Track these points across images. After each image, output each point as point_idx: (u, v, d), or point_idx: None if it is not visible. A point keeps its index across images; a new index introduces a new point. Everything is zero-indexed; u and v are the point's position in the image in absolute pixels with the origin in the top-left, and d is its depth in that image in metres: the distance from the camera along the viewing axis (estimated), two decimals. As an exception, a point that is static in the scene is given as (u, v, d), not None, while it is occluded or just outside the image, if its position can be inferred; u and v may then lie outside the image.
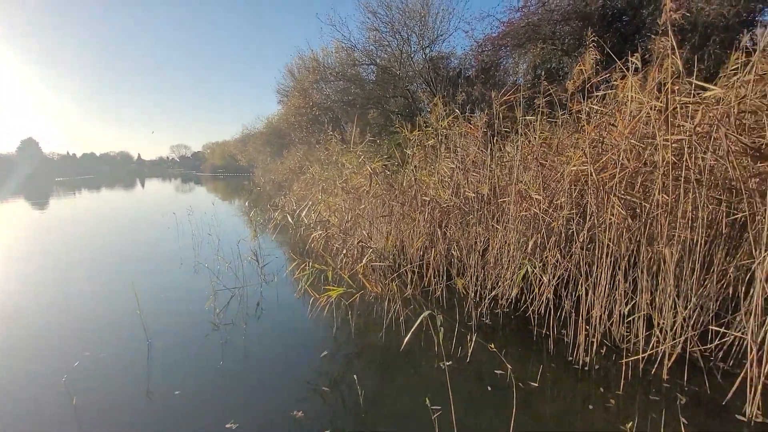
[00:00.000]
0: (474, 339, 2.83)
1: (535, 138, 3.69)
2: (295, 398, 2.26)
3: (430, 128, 4.75)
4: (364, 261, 2.61)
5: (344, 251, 2.85)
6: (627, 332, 2.78)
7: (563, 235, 3.12)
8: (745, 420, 2.07)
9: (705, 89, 2.27)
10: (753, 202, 2.38)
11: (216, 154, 54.09)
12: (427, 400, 1.95)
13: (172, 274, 4.79)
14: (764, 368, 2.08)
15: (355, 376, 2.36)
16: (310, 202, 3.14)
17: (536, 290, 3.31)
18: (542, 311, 3.16)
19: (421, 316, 1.89)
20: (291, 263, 4.42)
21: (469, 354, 2.69)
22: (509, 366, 2.45)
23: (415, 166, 4.93)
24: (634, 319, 2.67)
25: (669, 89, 2.21)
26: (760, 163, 2.09)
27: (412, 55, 10.48)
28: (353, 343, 2.97)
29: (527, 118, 3.56)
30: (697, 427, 2.03)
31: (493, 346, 2.64)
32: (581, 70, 3.09)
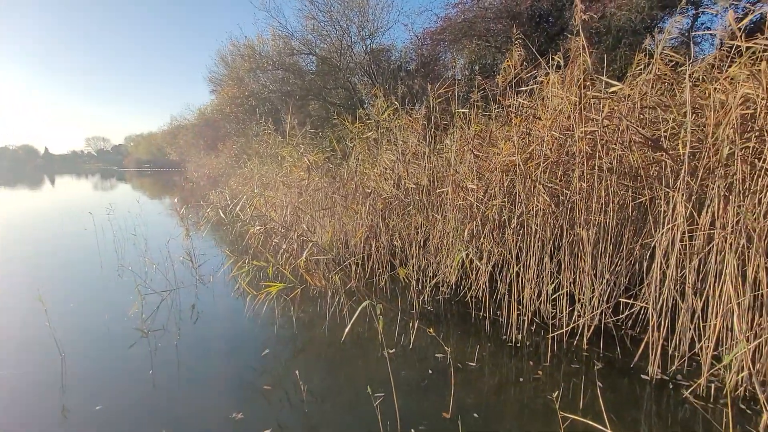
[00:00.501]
0: (416, 326, 2.91)
1: (470, 131, 3.85)
2: (235, 401, 2.16)
3: (371, 121, 4.75)
4: (304, 255, 2.55)
5: (284, 246, 2.76)
6: (553, 309, 3.03)
7: (497, 222, 3.31)
8: (648, 378, 2.36)
9: (610, 85, 2.50)
10: (653, 188, 2.70)
11: (141, 148, 49.57)
12: (369, 389, 1.98)
13: (90, 280, 4.32)
14: (662, 332, 2.39)
15: (297, 372, 2.31)
16: (245, 197, 2.99)
17: (473, 276, 3.49)
18: (480, 295, 3.34)
19: (361, 306, 1.90)
20: (229, 262, 4.20)
21: (412, 341, 2.76)
22: (447, 349, 2.55)
23: (358, 159, 4.93)
24: (558, 296, 2.92)
25: (581, 85, 2.41)
26: (657, 152, 2.36)
27: (353, 47, 10.39)
28: (296, 339, 2.91)
29: (461, 111, 3.69)
30: (610, 389, 2.27)
31: (432, 330, 2.74)
32: (509, 66, 3.26)
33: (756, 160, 2.16)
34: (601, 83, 4.44)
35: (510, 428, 1.95)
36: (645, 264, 2.77)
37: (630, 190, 2.88)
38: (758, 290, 2.10)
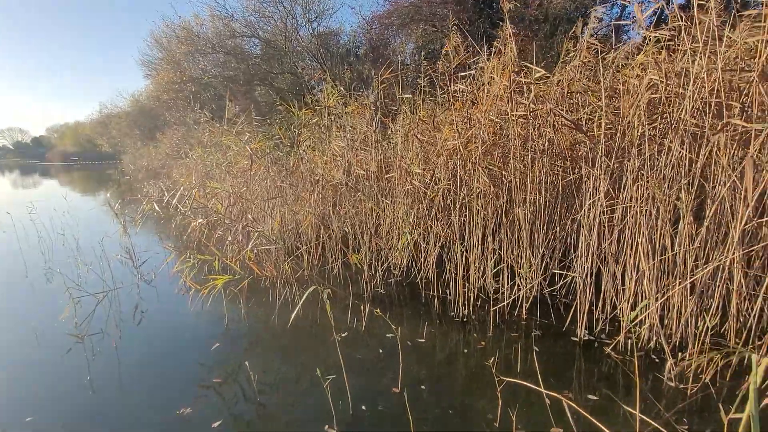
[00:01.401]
0: (368, 309, 2.98)
1: (415, 116, 3.93)
2: (183, 397, 2.11)
3: (320, 107, 4.68)
4: (250, 246, 2.50)
5: (229, 238, 2.69)
6: (497, 284, 3.23)
7: (443, 204, 3.43)
8: (577, 339, 2.62)
9: (531, 71, 2.66)
10: (580, 167, 2.93)
11: (67, 139, 44.99)
12: (319, 371, 2.02)
13: (14, 286, 3.93)
14: (589, 298, 2.65)
15: (246, 363, 2.29)
16: (182, 189, 2.85)
17: (422, 257, 3.61)
18: (429, 275, 3.47)
19: (307, 292, 1.92)
20: (173, 257, 4.00)
21: (364, 323, 2.83)
22: (394, 327, 2.64)
23: (308, 146, 4.84)
24: (500, 272, 3.11)
25: (509, 70, 2.54)
26: (579, 134, 2.57)
27: (298, 29, 10.04)
28: (246, 331, 2.87)
29: (406, 96, 3.74)
30: (545, 352, 2.49)
31: (378, 311, 2.83)
32: (451, 51, 3.34)
33: (663, 140, 2.42)
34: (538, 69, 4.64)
35: (453, 395, 2.09)
36: (575, 237, 3.03)
37: (561, 169, 3.11)
38: (665, 255, 2.38)
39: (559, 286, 3.16)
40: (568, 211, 3.24)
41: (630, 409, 1.84)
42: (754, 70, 2.03)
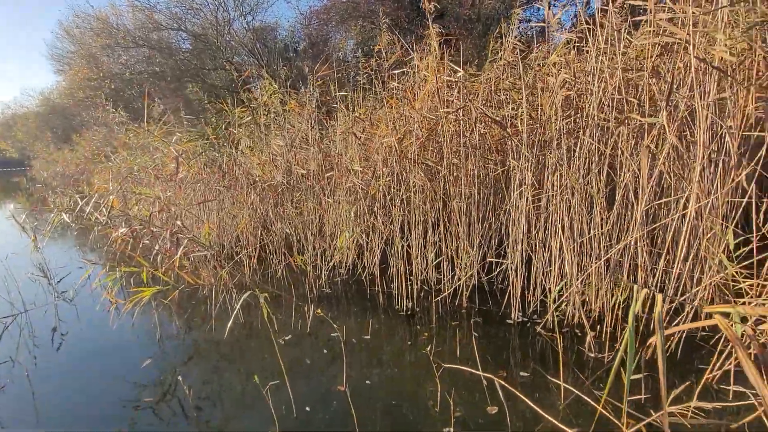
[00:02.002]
0: (312, 310, 2.95)
1: (353, 113, 3.93)
2: (110, 421, 1.95)
3: (259, 105, 4.50)
4: (179, 253, 2.36)
5: (157, 246, 2.51)
6: (438, 275, 3.34)
7: (384, 201, 3.48)
8: (512, 322, 2.79)
9: (456, 71, 2.78)
10: (508, 160, 3.12)
11: (-38, 144, 39.05)
12: (256, 378, 1.97)
13: None
14: (521, 282, 2.84)
15: (182, 378, 2.17)
16: (97, 195, 2.60)
17: (367, 254, 3.64)
18: (374, 272, 3.51)
19: (242, 298, 1.85)
20: (97, 272, 3.65)
21: (309, 325, 2.80)
22: (337, 326, 2.65)
23: (246, 146, 4.65)
24: (441, 264, 3.23)
25: (434, 69, 2.64)
26: (502, 130, 2.73)
27: (231, 23, 9.57)
28: (181, 344, 2.71)
29: (342, 94, 3.73)
30: (484, 336, 2.63)
31: (320, 311, 2.82)
32: (383, 49, 3.38)
33: (578, 134, 2.65)
34: (471, 67, 4.82)
35: (396, 387, 2.14)
36: (508, 226, 3.22)
37: (493, 163, 3.28)
38: (583, 238, 2.62)
39: (496, 273, 3.34)
40: (501, 202, 3.43)
41: (556, 381, 2.00)
42: (645, 69, 2.29)
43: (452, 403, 1.88)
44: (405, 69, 3.56)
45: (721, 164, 2.19)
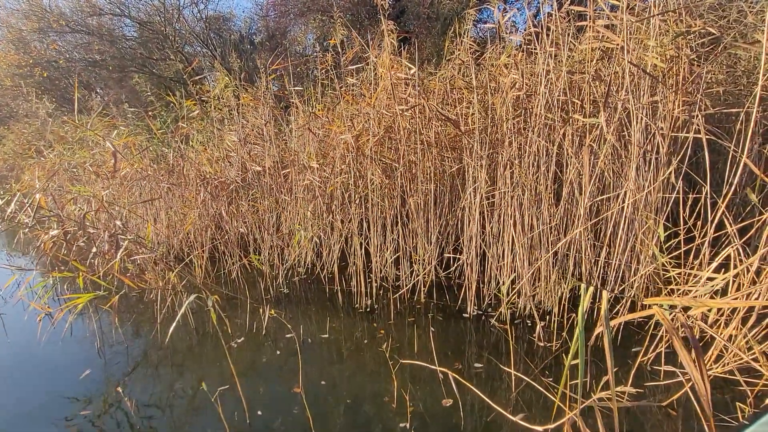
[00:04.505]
0: (268, 311, 2.87)
1: (310, 109, 3.85)
2: (39, 443, 1.78)
3: (211, 98, 4.28)
4: (118, 256, 2.19)
5: (94, 249, 2.31)
6: (397, 272, 3.36)
7: (342, 198, 3.44)
8: (468, 316, 2.87)
9: (410, 68, 2.81)
10: (463, 158, 3.19)
11: None
12: (204, 385, 1.88)
13: None
14: (476, 277, 2.92)
15: (120, 389, 2.03)
16: (19, 194, 2.34)
17: (325, 252, 3.59)
18: (334, 270, 3.46)
19: (187, 301, 1.76)
20: (26, 278, 3.32)
21: (265, 327, 2.72)
22: (290, 327, 2.60)
23: (198, 141, 4.42)
24: (400, 260, 3.25)
25: (390, 65, 2.64)
26: (456, 128, 2.79)
27: (180, 11, 9.04)
28: (122, 352, 2.53)
29: (297, 89, 3.64)
30: (440, 331, 2.68)
31: (273, 312, 2.75)
32: (338, 45, 3.34)
33: (528, 132, 2.75)
34: (430, 65, 4.86)
35: (353, 385, 2.13)
36: (464, 222, 3.30)
37: (449, 160, 3.34)
38: (533, 233, 2.73)
39: (453, 268, 3.41)
40: (457, 199, 3.51)
41: (508, 370, 2.08)
42: (587, 73, 2.42)
43: (408, 398, 1.90)
44: (362, 65, 3.53)
45: (653, 162, 2.36)
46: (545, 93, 2.56)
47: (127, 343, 2.63)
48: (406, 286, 3.15)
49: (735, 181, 1.85)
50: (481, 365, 2.27)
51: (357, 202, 3.27)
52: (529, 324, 2.68)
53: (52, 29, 8.80)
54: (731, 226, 1.94)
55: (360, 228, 3.25)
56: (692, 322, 2.02)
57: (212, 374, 2.19)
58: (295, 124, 3.84)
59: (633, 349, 2.24)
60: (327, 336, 2.63)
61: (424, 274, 3.15)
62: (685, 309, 2.05)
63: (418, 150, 3.04)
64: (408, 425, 1.77)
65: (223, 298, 3.19)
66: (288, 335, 2.58)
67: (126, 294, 3.20)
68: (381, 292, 3.26)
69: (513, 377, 2.02)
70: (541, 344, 2.44)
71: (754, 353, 1.75)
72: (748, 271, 1.81)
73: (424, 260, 3.16)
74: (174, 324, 1.92)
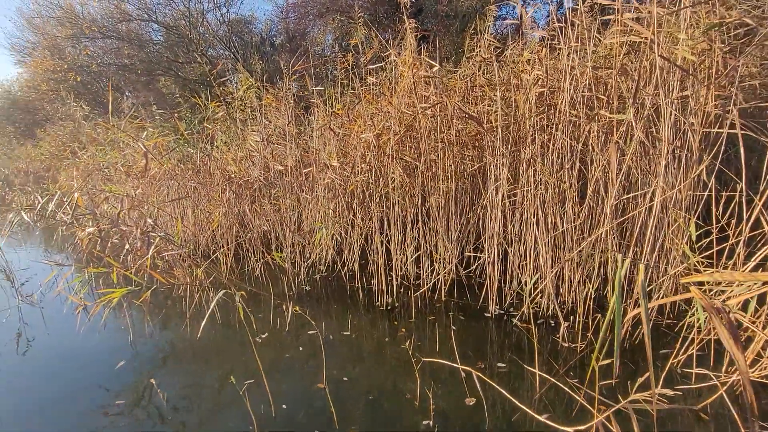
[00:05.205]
0: (290, 308, 2.92)
1: (331, 108, 3.90)
2: (83, 425, 1.88)
3: (234, 100, 4.40)
4: (150, 252, 2.28)
5: (127, 246, 2.42)
6: (417, 270, 3.37)
7: (363, 197, 3.47)
8: (490, 315, 2.85)
9: (432, 66, 2.80)
10: (484, 156, 3.16)
11: None
12: (233, 379, 1.94)
13: None
14: (497, 276, 2.89)
15: (157, 380, 2.12)
16: (59, 193, 2.48)
17: (346, 250, 3.64)
18: (354, 268, 3.50)
19: (216, 296, 1.82)
20: (64, 273, 3.50)
21: (288, 323, 2.78)
22: (315, 324, 2.64)
23: (222, 142, 4.54)
24: (421, 259, 3.25)
25: (410, 64, 2.64)
26: (478, 126, 2.77)
27: (204, 15, 9.29)
28: (154, 346, 2.64)
29: (317, 89, 3.69)
30: (462, 329, 2.67)
31: (297, 308, 2.80)
32: (359, 44, 3.36)
33: (552, 129, 2.71)
34: (449, 63, 4.83)
35: (375, 382, 2.15)
36: (484, 222, 3.28)
37: (470, 158, 3.33)
38: (556, 232, 2.69)
39: (474, 267, 3.39)
40: (478, 197, 3.48)
41: (532, 370, 2.06)
42: (613, 68, 2.36)
43: (431, 396, 1.91)
44: (382, 64, 3.55)
45: (683, 159, 2.29)
46: (569, 89, 2.51)
47: (157, 336, 2.74)
48: (427, 284, 3.15)
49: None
50: (503, 365, 2.25)
51: (377, 200, 3.29)
52: (553, 324, 2.64)
53: (84, 35, 9.20)
54: (767, 223, 1.87)
55: (380, 226, 3.27)
56: (730, 312, 1.95)
57: (238, 368, 2.25)
58: (315, 124, 3.90)
59: (662, 351, 2.18)
60: (348, 333, 2.67)
61: (445, 272, 3.15)
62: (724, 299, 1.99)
63: (438, 148, 3.03)
64: (431, 423, 1.78)
65: (247, 294, 3.27)
66: (310, 332, 2.63)
67: (156, 290, 3.33)
68: (401, 290, 3.28)
69: (537, 377, 2.00)
70: (566, 345, 2.40)
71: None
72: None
73: (444, 259, 3.16)
74: (205, 319, 1.98)
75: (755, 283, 1.45)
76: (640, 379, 1.59)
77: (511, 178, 2.84)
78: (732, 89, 2.14)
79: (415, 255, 3.25)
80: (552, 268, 2.66)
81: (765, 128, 2.22)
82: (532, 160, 2.73)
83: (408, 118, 3.16)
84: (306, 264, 3.66)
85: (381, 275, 3.12)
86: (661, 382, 1.75)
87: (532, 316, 2.70)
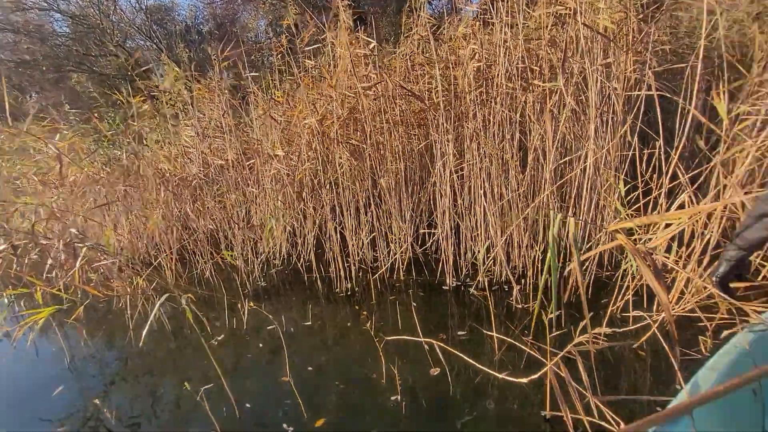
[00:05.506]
0: (247, 305, 2.81)
1: (273, 95, 3.72)
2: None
3: (161, 93, 4.04)
4: (77, 265, 2.06)
5: (49, 261, 2.16)
6: (374, 253, 3.37)
7: (313, 184, 3.38)
8: (447, 288, 2.92)
9: (369, 43, 2.76)
10: (430, 134, 3.19)
11: None
12: (187, 385, 1.83)
13: None
14: (452, 249, 2.97)
15: (97, 401, 1.94)
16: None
17: (300, 241, 3.54)
18: (310, 258, 3.42)
19: (158, 303, 1.69)
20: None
21: (245, 322, 2.66)
22: (272, 318, 2.56)
23: (152, 140, 4.18)
24: (376, 241, 3.25)
25: (348, 43, 2.58)
26: (420, 103, 2.78)
27: (116, 2, 8.41)
28: (96, 364, 2.41)
29: (252, 74, 3.50)
30: (423, 305, 2.72)
31: (253, 304, 2.71)
32: (292, 27, 3.22)
33: (491, 103, 2.78)
34: (388, 44, 4.78)
35: (340, 367, 2.13)
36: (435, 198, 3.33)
37: (416, 137, 3.34)
38: (502, 201, 2.80)
39: (429, 244, 3.46)
40: (428, 175, 3.53)
41: (490, 333, 2.15)
42: (543, 39, 2.46)
43: (397, 372, 1.93)
44: (319, 46, 3.43)
45: (610, 122, 2.46)
46: (504, 62, 2.58)
47: (100, 354, 2.51)
48: (385, 265, 3.16)
49: (685, 132, 1.96)
50: (464, 333, 2.33)
51: (328, 187, 3.22)
52: (507, 289, 2.77)
53: (-30, 29, 7.97)
54: (683, 176, 2.06)
55: (333, 213, 3.22)
56: (655, 257, 2.15)
57: (195, 375, 2.13)
58: (255, 113, 3.71)
59: (603, 300, 2.37)
60: (310, 324, 2.62)
61: (401, 252, 3.17)
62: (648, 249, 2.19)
63: (384, 129, 3.01)
64: (399, 398, 1.80)
65: (198, 298, 3.09)
66: (270, 327, 2.54)
67: (93, 305, 3.04)
68: (360, 274, 3.26)
69: (495, 340, 2.09)
70: (519, 306, 2.53)
71: (710, 291, 1.89)
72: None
73: (399, 239, 3.18)
74: (147, 327, 1.84)
75: (674, 224, 1.60)
76: (582, 324, 1.70)
77: (457, 153, 2.89)
78: (647, 54, 2.32)
79: (371, 237, 3.25)
80: (501, 236, 2.77)
81: (677, 90, 2.43)
82: (474, 134, 2.79)
83: (351, 101, 3.10)
84: (259, 260, 3.52)
85: (338, 262, 3.08)
86: (604, 326, 1.90)
87: (487, 284, 2.81)
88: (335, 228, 3.14)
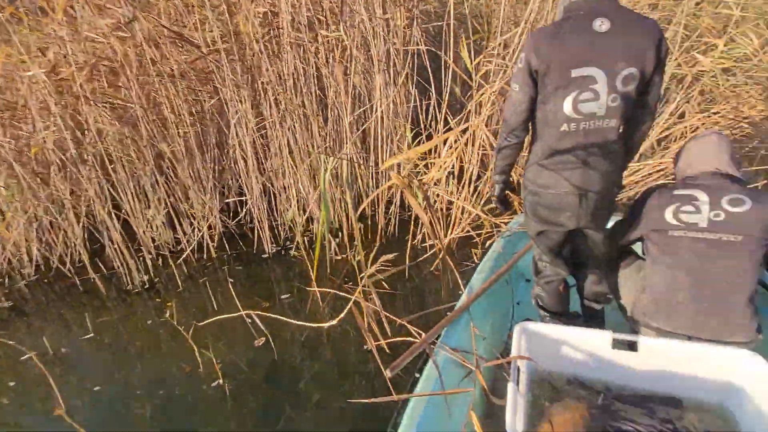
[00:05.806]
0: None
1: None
2: None
3: None
4: None
5: None
6: (176, 235, 2.87)
7: (63, 161, 2.54)
8: (267, 255, 2.76)
9: None
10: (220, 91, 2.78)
11: None
12: None
13: None
14: (266, 216, 2.79)
15: None
16: None
17: (60, 238, 2.70)
18: (82, 257, 2.64)
19: None
20: None
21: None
22: (25, 344, 1.93)
23: None
24: (174, 220, 2.76)
25: None
26: (196, 49, 2.39)
27: None
28: None
29: None
30: (243, 278, 2.50)
31: None
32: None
33: (284, 54, 2.60)
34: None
35: (143, 373, 1.78)
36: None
37: (204, 94, 2.88)
38: (309, 157, 2.75)
39: (244, 214, 3.15)
40: (226, 137, 3.14)
41: (312, 289, 2.15)
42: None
43: (214, 356, 1.72)
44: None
45: (392, 75, 2.67)
46: (288, 8, 2.43)
47: None
48: (190, 246, 2.74)
49: (449, 83, 2.30)
50: (288, 295, 2.27)
51: (90, 161, 2.48)
52: (325, 244, 2.81)
53: None
54: (452, 120, 2.45)
55: (104, 195, 2.53)
56: (434, 195, 2.55)
57: None
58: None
59: (405, 237, 2.68)
60: (92, 335, 2.05)
61: (208, 228, 2.80)
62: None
63: (158, 84, 2.47)
64: (221, 381, 1.62)
65: None
66: (23, 358, 1.87)
67: None
68: (160, 262, 2.74)
69: (318, 294, 2.11)
70: (338, 257, 2.62)
71: (478, 213, 2.37)
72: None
73: (203, 213, 2.79)
74: None
75: (444, 161, 1.88)
76: (387, 257, 1.86)
77: (256, 112, 2.65)
78: (414, 10, 2.56)
79: (164, 214, 2.73)
80: (313, 193, 2.76)
81: (441, 46, 2.80)
82: (270, 89, 2.59)
83: (102, 47, 2.39)
84: (-5, 274, 2.52)
85: (122, 254, 2.49)
86: (408, 257, 2.15)
87: (306, 243, 2.79)
88: (111, 213, 2.49)
